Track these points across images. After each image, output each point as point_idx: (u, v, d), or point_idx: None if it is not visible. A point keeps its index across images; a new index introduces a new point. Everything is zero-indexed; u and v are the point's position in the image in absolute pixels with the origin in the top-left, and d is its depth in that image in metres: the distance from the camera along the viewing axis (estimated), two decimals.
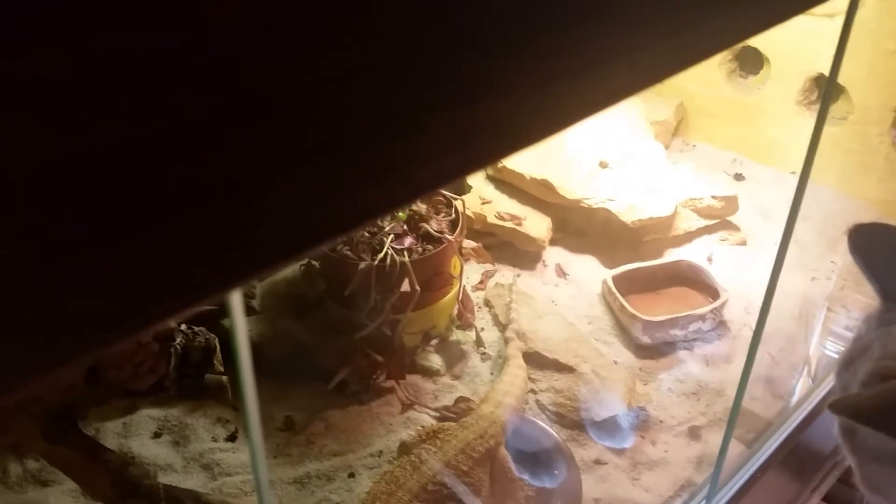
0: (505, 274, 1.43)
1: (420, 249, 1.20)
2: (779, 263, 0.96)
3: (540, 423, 1.12)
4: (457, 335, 1.30)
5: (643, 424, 1.17)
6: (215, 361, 0.95)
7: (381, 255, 1.17)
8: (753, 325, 1.35)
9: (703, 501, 0.90)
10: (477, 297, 1.37)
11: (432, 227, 1.23)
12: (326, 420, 1.15)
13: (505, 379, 1.15)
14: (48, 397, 0.87)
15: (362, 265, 1.15)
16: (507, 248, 1.46)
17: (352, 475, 1.07)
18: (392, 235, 1.20)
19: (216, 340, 0.96)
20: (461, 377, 1.24)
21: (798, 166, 1.72)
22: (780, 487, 1.13)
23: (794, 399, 1.24)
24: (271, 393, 1.18)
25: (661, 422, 1.17)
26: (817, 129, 0.96)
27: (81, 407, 0.90)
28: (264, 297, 1.27)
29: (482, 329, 1.31)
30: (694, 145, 1.79)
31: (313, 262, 1.26)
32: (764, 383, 1.26)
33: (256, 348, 1.21)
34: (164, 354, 0.89)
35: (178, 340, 0.91)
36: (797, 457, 1.19)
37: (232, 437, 1.12)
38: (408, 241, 1.21)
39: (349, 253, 1.18)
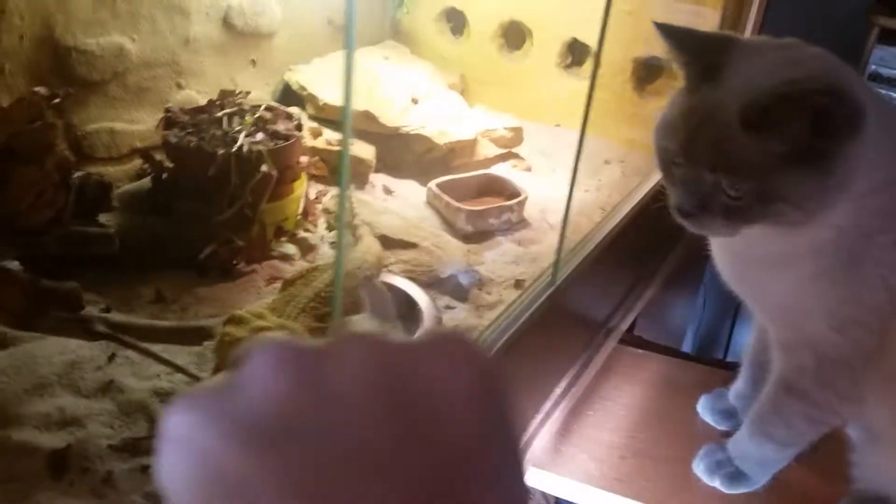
0: (338, 193, 1.58)
1: (272, 144, 1.32)
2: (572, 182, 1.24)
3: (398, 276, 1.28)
4: (305, 233, 1.42)
5: (478, 281, 1.37)
6: (112, 199, 1.00)
7: (237, 144, 1.28)
8: (549, 221, 1.63)
9: (549, 278, 1.11)
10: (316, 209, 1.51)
11: (280, 127, 1.37)
12: (195, 294, 1.22)
13: (361, 246, 1.30)
14: None
15: (221, 151, 1.25)
16: (338, 174, 1.61)
17: None
18: (244, 132, 1.32)
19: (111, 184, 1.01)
20: (315, 262, 1.36)
21: (560, 120, 2.07)
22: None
23: None
24: (137, 277, 1.22)
25: (492, 279, 1.38)
26: (590, 90, 1.28)
27: None
28: (122, 200, 1.30)
29: (326, 228, 1.45)
30: (475, 107, 2.08)
31: (166, 164, 1.33)
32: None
33: (112, 240, 1.24)
34: (64, 186, 0.94)
35: (76, 175, 0.95)
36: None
37: (107, 310, 1.14)
38: (259, 136, 1.33)
39: (204, 145, 1.27)
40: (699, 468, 1.16)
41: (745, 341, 2.99)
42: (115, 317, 0.96)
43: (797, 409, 1.06)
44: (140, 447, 0.91)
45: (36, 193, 0.91)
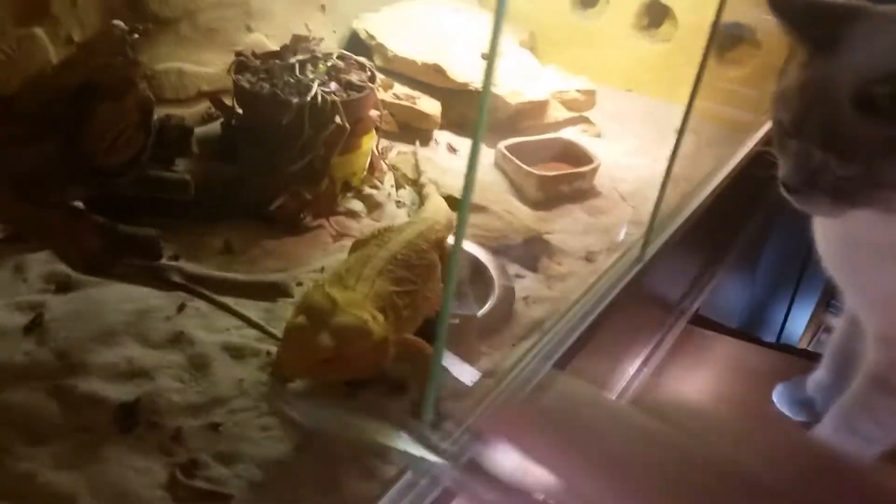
0: (403, 149, 1.53)
1: (345, 95, 1.27)
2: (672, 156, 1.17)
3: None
4: (371, 189, 1.38)
5: (548, 250, 1.31)
6: (192, 142, 0.96)
7: (312, 93, 1.23)
8: (619, 189, 1.56)
9: (638, 254, 1.06)
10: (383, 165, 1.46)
11: (353, 78, 1.31)
12: (263, 247, 1.18)
13: (430, 206, 1.25)
14: (19, 167, 0.85)
15: (296, 100, 1.20)
16: (403, 129, 1.56)
17: (300, 284, 1.12)
18: (318, 81, 1.27)
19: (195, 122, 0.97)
20: (382, 220, 1.32)
21: (632, 84, 1.99)
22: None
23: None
24: (205, 225, 1.18)
25: (562, 250, 1.33)
26: (703, 60, 1.20)
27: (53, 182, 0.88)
28: (198, 143, 1.26)
29: (392, 185, 1.40)
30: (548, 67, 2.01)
31: (235, 109, 1.28)
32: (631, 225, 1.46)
33: (188, 187, 1.20)
34: (144, 127, 0.90)
35: (157, 117, 0.91)
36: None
37: (175, 258, 1.11)
38: (333, 86, 1.28)
39: (278, 93, 1.23)
40: None
41: (799, 326, 2.91)
42: (189, 267, 0.92)
43: (890, 405, 1.01)
44: (210, 404, 0.88)
45: (115, 133, 0.87)
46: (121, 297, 0.99)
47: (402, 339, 0.94)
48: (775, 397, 1.24)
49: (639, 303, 1.14)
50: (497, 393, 0.80)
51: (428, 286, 1.02)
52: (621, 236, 1.35)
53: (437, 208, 1.25)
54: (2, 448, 0.77)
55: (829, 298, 2.67)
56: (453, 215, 1.27)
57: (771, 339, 2.92)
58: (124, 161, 0.90)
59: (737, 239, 1.70)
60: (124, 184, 0.94)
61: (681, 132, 1.20)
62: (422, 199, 1.33)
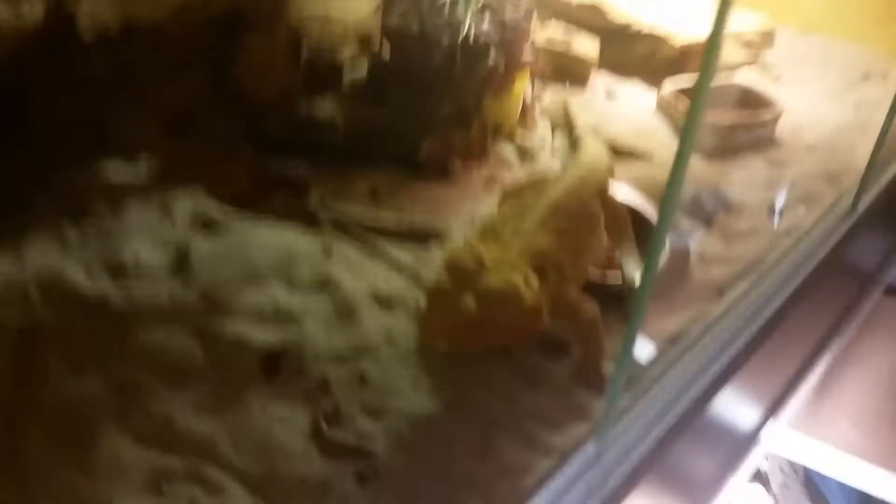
0: (558, 93, 1.42)
1: (498, 34, 1.17)
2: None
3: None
4: (523, 135, 1.28)
5: (726, 204, 1.17)
6: (341, 79, 0.89)
7: (462, 33, 1.14)
8: (803, 138, 1.39)
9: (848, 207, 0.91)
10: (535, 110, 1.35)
11: (506, 16, 1.21)
12: (410, 192, 1.12)
13: (588, 151, 1.13)
14: (168, 99, 0.81)
15: (446, 41, 1.12)
16: (557, 72, 1.45)
17: (448, 234, 1.04)
18: (469, 20, 1.18)
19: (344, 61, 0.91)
20: (534, 167, 1.22)
21: (814, 24, 1.78)
22: None
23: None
24: (351, 169, 1.12)
25: (740, 205, 1.18)
26: None
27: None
28: (346, 86, 1.20)
29: (545, 130, 1.30)
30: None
31: (383, 53, 1.22)
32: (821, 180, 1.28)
33: (336, 130, 1.15)
34: (294, 63, 0.84)
35: (306, 53, 0.85)
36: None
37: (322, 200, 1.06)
38: (485, 25, 1.18)
39: (428, 33, 1.15)
40: None
41: None
42: (337, 210, 0.86)
43: None
44: (357, 353, 0.82)
45: (265, 67, 0.82)
46: (268, 239, 0.95)
47: (565, 297, 0.84)
48: None
49: (841, 268, 0.98)
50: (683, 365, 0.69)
51: (592, 239, 0.92)
52: (811, 191, 1.19)
53: (595, 154, 1.13)
54: (143, 389, 0.74)
55: None
56: (613, 162, 1.16)
57: None
58: (273, 97, 0.84)
59: None
60: (274, 123, 0.89)
61: None
62: (576, 145, 1.21)
